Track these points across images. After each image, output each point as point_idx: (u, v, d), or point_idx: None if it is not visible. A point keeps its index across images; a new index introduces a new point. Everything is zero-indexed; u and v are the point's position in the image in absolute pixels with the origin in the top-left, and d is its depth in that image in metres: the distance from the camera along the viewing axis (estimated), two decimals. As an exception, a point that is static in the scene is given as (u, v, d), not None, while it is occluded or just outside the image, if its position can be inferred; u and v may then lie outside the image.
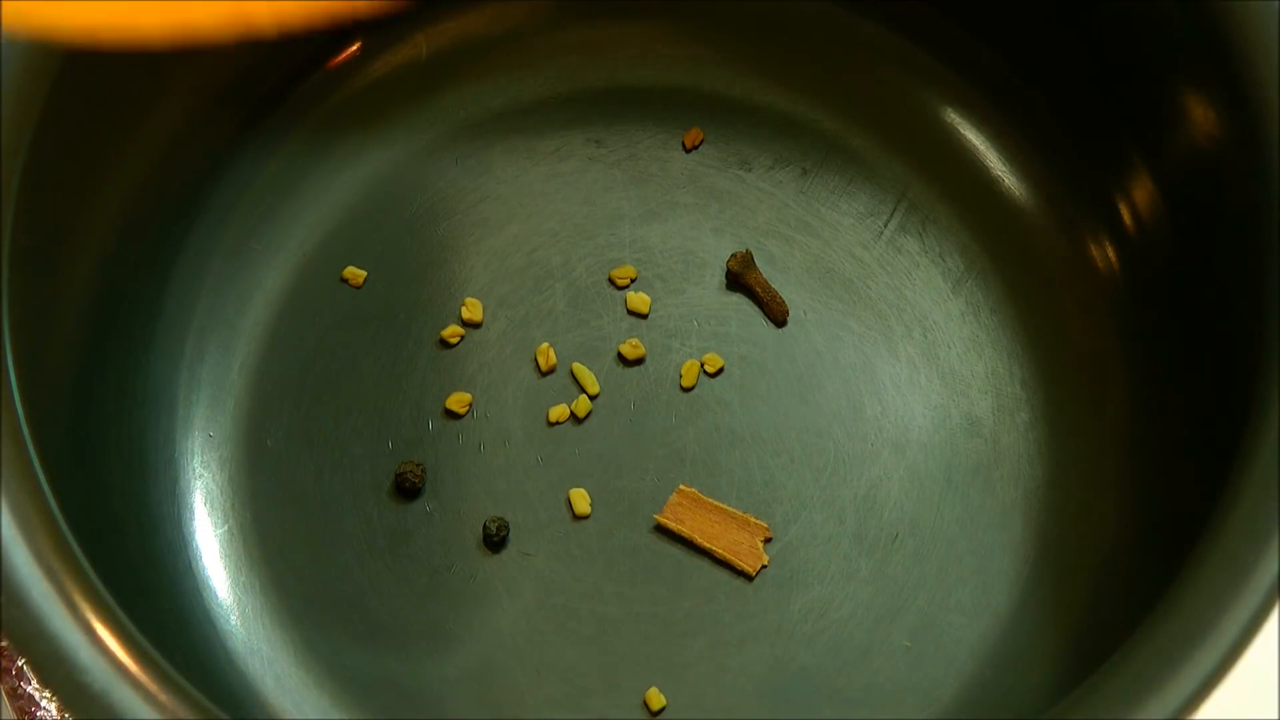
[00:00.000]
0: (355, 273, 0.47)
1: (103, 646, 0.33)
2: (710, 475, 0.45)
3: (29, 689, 0.44)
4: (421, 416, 0.46)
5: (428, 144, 0.49)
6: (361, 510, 0.45)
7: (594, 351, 0.47)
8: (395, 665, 0.43)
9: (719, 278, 0.48)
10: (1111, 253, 0.47)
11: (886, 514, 0.45)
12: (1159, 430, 0.45)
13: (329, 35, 0.49)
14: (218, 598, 0.44)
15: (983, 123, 0.49)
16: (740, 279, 0.47)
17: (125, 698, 0.32)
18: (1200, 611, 0.35)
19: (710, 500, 0.45)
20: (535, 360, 0.47)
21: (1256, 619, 0.35)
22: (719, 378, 0.46)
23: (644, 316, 0.47)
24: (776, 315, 0.47)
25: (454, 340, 0.47)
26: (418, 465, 0.45)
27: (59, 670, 0.32)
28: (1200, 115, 0.41)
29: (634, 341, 0.47)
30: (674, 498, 0.45)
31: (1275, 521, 0.35)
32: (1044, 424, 0.46)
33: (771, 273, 0.47)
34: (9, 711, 0.44)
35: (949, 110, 0.49)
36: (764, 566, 0.44)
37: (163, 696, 0.33)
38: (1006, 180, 0.48)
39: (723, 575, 0.44)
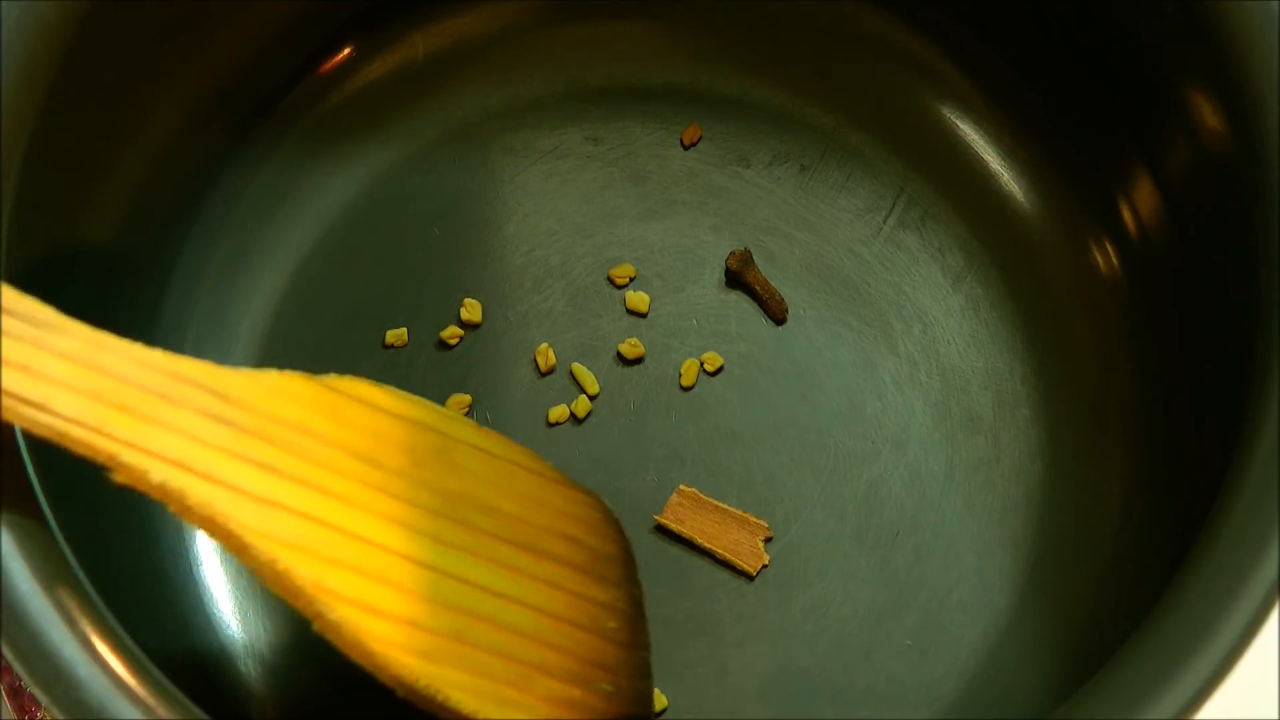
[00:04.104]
0: (398, 334, 0.47)
1: (101, 661, 0.33)
2: (710, 474, 0.45)
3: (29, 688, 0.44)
4: (421, 419, 0.46)
5: (425, 144, 0.49)
6: (362, 513, 0.45)
7: (593, 351, 0.47)
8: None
9: (718, 276, 0.47)
10: (1111, 248, 0.47)
11: (887, 512, 0.45)
12: (1160, 426, 0.45)
13: (322, 39, 0.49)
14: (219, 603, 0.44)
15: (982, 118, 0.49)
16: (739, 277, 0.47)
17: (123, 712, 0.32)
18: (1200, 612, 0.35)
19: (710, 500, 0.45)
20: (534, 361, 0.46)
21: (1256, 619, 0.35)
22: (719, 376, 0.46)
23: (643, 315, 0.47)
24: (776, 313, 0.47)
25: (453, 341, 0.47)
26: (418, 467, 0.45)
27: (58, 686, 0.32)
28: (1199, 113, 0.41)
29: (633, 341, 0.47)
30: (674, 498, 0.45)
31: (1275, 521, 0.35)
32: (1045, 420, 0.46)
33: (770, 270, 0.47)
34: (9, 710, 0.44)
35: (948, 105, 0.49)
36: (765, 566, 0.44)
37: (161, 711, 0.33)
38: (1005, 175, 0.48)
39: (723, 575, 0.44)
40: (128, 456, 0.32)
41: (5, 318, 0.32)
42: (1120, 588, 0.43)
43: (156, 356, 0.34)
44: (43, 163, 0.39)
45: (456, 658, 0.37)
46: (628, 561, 0.43)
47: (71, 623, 0.33)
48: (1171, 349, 0.44)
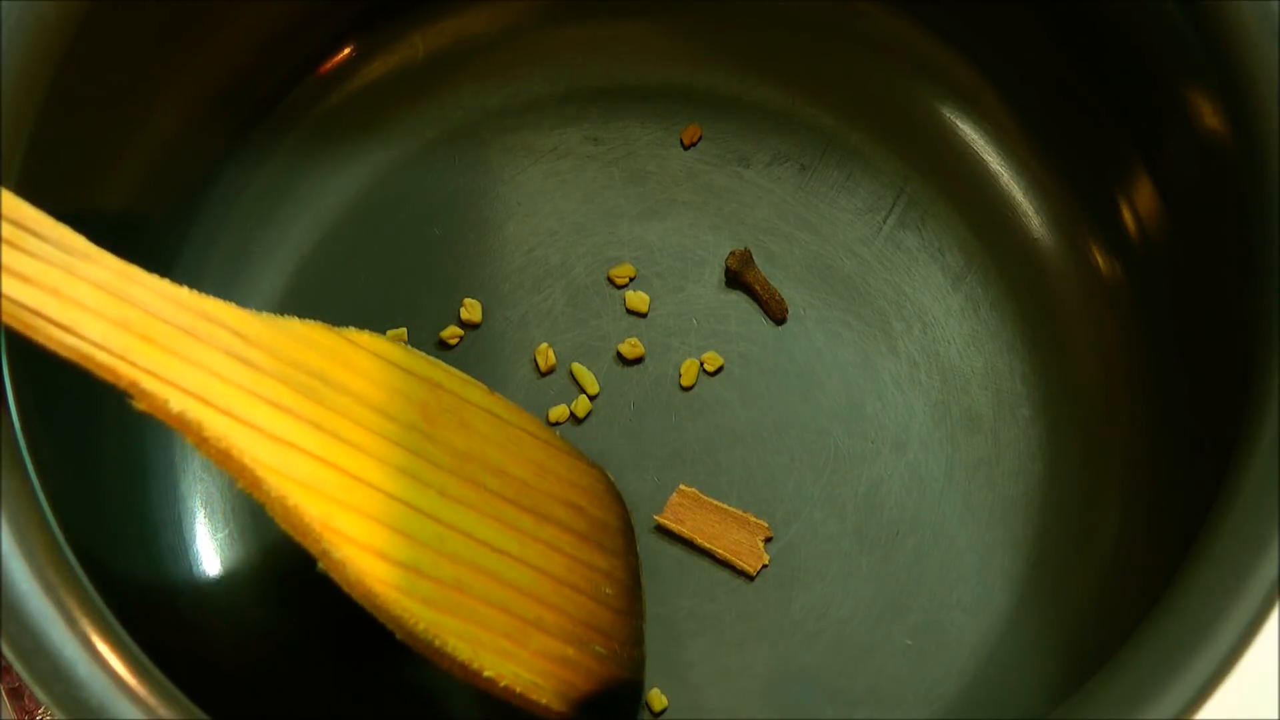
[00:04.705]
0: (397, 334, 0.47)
1: (102, 661, 0.33)
2: (710, 474, 0.45)
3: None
4: (421, 418, 0.46)
5: (425, 144, 0.49)
6: (362, 513, 0.45)
7: (593, 351, 0.47)
8: (400, 667, 0.43)
9: (718, 276, 0.47)
10: (1111, 248, 0.47)
11: (887, 511, 0.45)
12: (1160, 425, 0.45)
13: (322, 39, 0.49)
14: (218, 603, 0.44)
15: (982, 118, 0.49)
16: (739, 277, 0.47)
17: (123, 712, 0.32)
18: (1200, 612, 0.35)
19: (710, 500, 0.45)
20: (534, 360, 0.46)
21: (1256, 619, 0.35)
22: (718, 376, 0.46)
23: (643, 315, 0.47)
24: (776, 313, 0.47)
25: (453, 341, 0.47)
26: (418, 467, 0.45)
27: (58, 686, 0.32)
28: (1199, 113, 0.41)
29: (633, 341, 0.47)
30: (674, 497, 0.45)
31: (1275, 521, 0.35)
32: (1044, 419, 0.46)
33: (770, 270, 0.47)
34: (9, 711, 0.44)
35: (947, 105, 0.49)
36: (765, 566, 0.44)
37: (161, 711, 0.33)
38: (1005, 175, 0.48)
39: (723, 575, 0.44)
40: (148, 384, 0.33)
41: (39, 243, 0.33)
42: (1120, 588, 0.43)
43: (183, 294, 0.35)
44: (42, 162, 0.39)
45: (456, 606, 0.37)
46: (627, 533, 0.44)
47: (71, 623, 0.33)
48: (1171, 349, 0.44)
